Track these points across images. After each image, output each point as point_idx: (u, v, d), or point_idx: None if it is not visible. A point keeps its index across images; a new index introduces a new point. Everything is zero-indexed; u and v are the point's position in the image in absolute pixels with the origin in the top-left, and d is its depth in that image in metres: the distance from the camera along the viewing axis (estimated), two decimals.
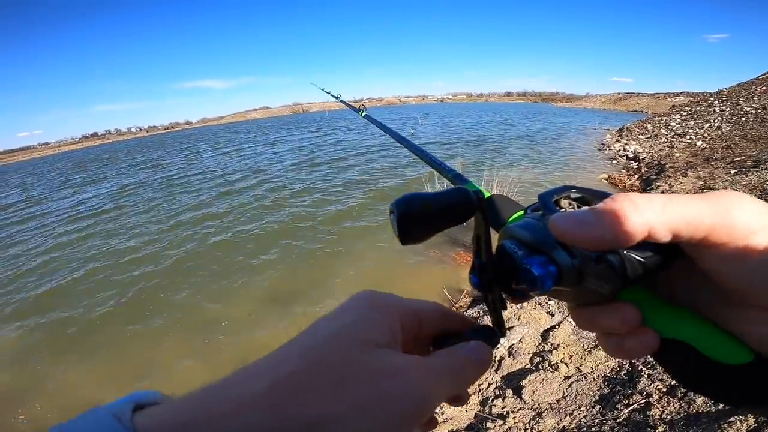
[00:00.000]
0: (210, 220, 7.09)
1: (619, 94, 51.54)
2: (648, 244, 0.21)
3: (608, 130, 15.75)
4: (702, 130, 9.80)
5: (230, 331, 3.64)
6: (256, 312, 3.91)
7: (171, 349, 3.52)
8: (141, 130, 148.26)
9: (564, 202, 0.26)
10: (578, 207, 0.26)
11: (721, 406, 1.53)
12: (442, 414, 1.95)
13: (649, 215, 0.20)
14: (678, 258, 0.22)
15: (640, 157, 8.29)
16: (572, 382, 1.97)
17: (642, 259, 0.21)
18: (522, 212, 0.31)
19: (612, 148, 10.40)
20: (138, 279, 4.99)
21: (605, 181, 7.17)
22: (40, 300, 4.81)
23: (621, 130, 13.74)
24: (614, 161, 8.91)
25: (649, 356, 0.24)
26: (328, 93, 1.83)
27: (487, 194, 0.35)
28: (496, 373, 2.19)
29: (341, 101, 1.68)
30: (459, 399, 0.29)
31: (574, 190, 0.26)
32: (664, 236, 0.20)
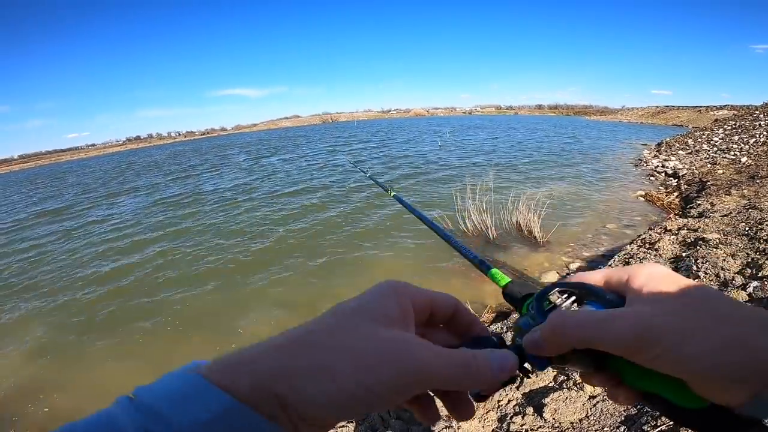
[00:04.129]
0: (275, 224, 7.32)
1: (657, 107, 49.48)
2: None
3: (645, 145, 15.16)
4: (747, 146, 9.26)
5: (256, 333, 3.73)
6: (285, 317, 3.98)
7: (197, 345, 3.63)
8: (180, 134, 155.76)
9: (554, 297, 0.35)
10: (567, 299, 0.34)
11: None
12: (459, 429, 1.91)
13: (570, 340, 0.29)
14: None
15: (680, 174, 7.90)
16: (597, 402, 1.89)
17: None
18: (530, 301, 0.38)
19: (649, 164, 10.00)
20: (169, 279, 5.20)
21: (641, 199, 6.87)
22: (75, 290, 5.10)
23: (659, 145, 13.20)
24: (652, 178, 8.55)
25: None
26: (374, 180, 1.53)
27: (505, 282, 0.44)
28: (518, 390, 2.13)
29: (370, 178, 1.60)
30: (481, 397, 0.32)
31: (557, 288, 0.35)
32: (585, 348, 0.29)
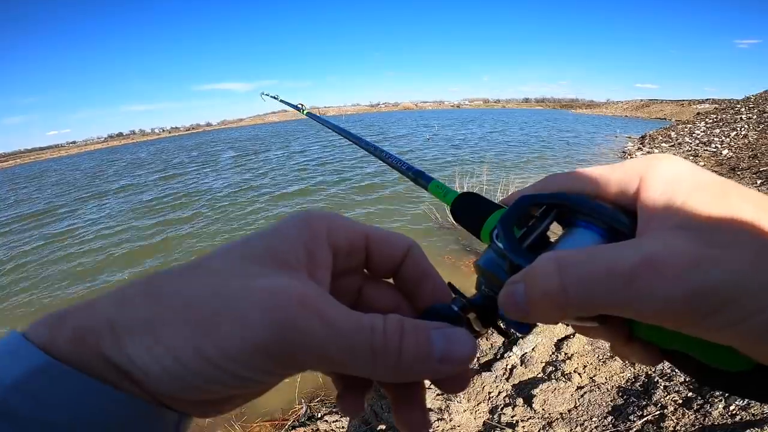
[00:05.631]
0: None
1: (641, 100, 50.27)
2: None
3: (630, 137, 15.41)
4: (728, 139, 9.49)
5: None
6: None
7: None
8: (164, 131, 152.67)
9: (531, 221, 0.24)
10: (549, 221, 0.24)
11: (737, 418, 1.49)
12: (450, 421, 1.94)
13: (575, 309, 0.18)
14: None
15: None
16: (585, 392, 1.93)
17: None
18: (493, 225, 0.26)
19: (633, 155, 10.16)
20: None
21: None
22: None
23: (643, 137, 13.43)
24: None
25: (664, 367, 0.23)
26: (284, 102, 1.51)
27: (452, 196, 0.32)
28: (507, 381, 2.17)
29: (282, 101, 1.53)
30: (452, 383, 0.21)
31: (532, 203, 0.24)
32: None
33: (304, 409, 2.22)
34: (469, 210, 0.29)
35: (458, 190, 0.32)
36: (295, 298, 0.17)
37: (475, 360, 2.37)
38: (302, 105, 1.29)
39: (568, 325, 0.24)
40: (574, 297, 0.17)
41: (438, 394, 2.12)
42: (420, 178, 0.41)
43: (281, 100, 1.51)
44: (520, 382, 2.13)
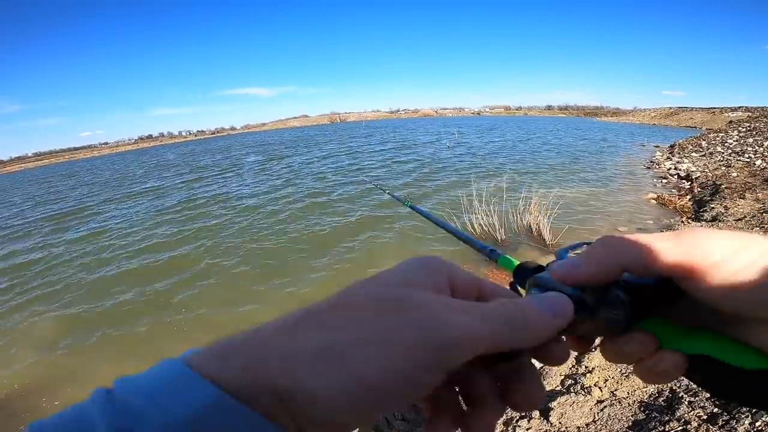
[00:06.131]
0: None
1: (670, 108, 48.64)
2: (648, 278, 0.25)
3: (658, 146, 14.93)
4: (762, 148, 9.09)
5: None
6: None
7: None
8: (190, 134, 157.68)
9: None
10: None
11: None
12: None
13: (622, 258, 0.24)
14: (678, 291, 0.24)
15: (693, 177, 7.78)
16: (605, 407, 1.87)
17: (642, 284, 0.25)
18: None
19: (662, 166, 9.84)
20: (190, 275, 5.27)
21: (654, 201, 6.77)
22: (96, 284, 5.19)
23: (672, 147, 13.01)
24: (664, 180, 8.41)
25: (687, 380, 0.27)
26: (392, 195, 1.62)
27: (516, 263, 0.39)
28: None
29: (390, 194, 1.68)
30: (547, 355, 0.24)
31: (584, 246, 0.29)
32: (640, 272, 0.24)
33: None
34: (520, 274, 0.37)
35: (516, 261, 0.41)
36: (441, 303, 0.21)
37: None
38: (407, 197, 1.42)
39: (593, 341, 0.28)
40: (628, 242, 0.24)
41: None
42: (491, 254, 0.51)
43: (389, 193, 1.72)
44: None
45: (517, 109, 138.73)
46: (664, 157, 11.24)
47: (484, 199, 5.48)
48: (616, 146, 16.94)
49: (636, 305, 0.25)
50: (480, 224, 5.37)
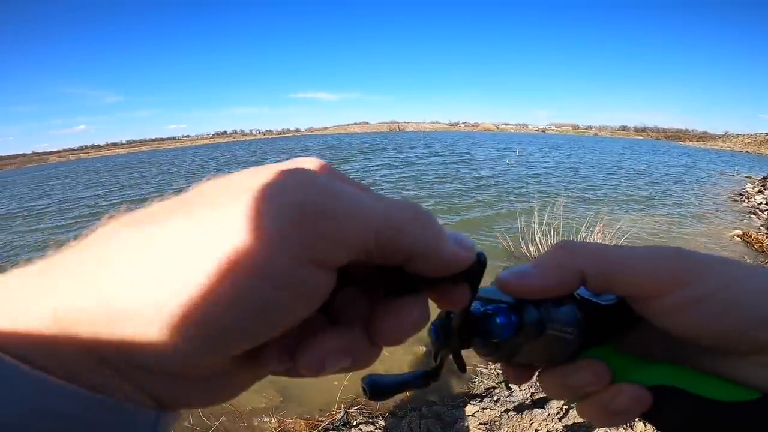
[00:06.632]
0: None
1: (766, 134, 42.99)
2: (609, 296, 0.22)
3: (749, 177, 13.32)
4: None
5: None
6: None
7: None
8: (259, 132, 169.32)
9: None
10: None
11: None
12: None
13: (581, 262, 0.20)
14: (636, 318, 0.21)
15: None
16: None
17: (601, 303, 0.22)
18: None
19: (752, 199, 8.77)
20: None
21: (738, 239, 6.07)
22: None
23: (765, 178, 11.52)
24: (753, 216, 7.49)
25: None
26: None
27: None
28: (560, 421, 2.04)
29: None
30: (446, 296, 0.19)
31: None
32: (599, 283, 0.20)
33: (341, 414, 2.17)
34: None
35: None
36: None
37: (529, 395, 2.26)
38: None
39: None
40: (584, 249, 0.21)
41: (480, 423, 2.07)
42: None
43: None
44: (574, 423, 1.99)
45: (587, 128, 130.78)
46: (756, 189, 10.00)
47: (546, 221, 5.23)
48: (700, 174, 15.37)
49: (590, 327, 0.21)
50: (536, 245, 5.15)
